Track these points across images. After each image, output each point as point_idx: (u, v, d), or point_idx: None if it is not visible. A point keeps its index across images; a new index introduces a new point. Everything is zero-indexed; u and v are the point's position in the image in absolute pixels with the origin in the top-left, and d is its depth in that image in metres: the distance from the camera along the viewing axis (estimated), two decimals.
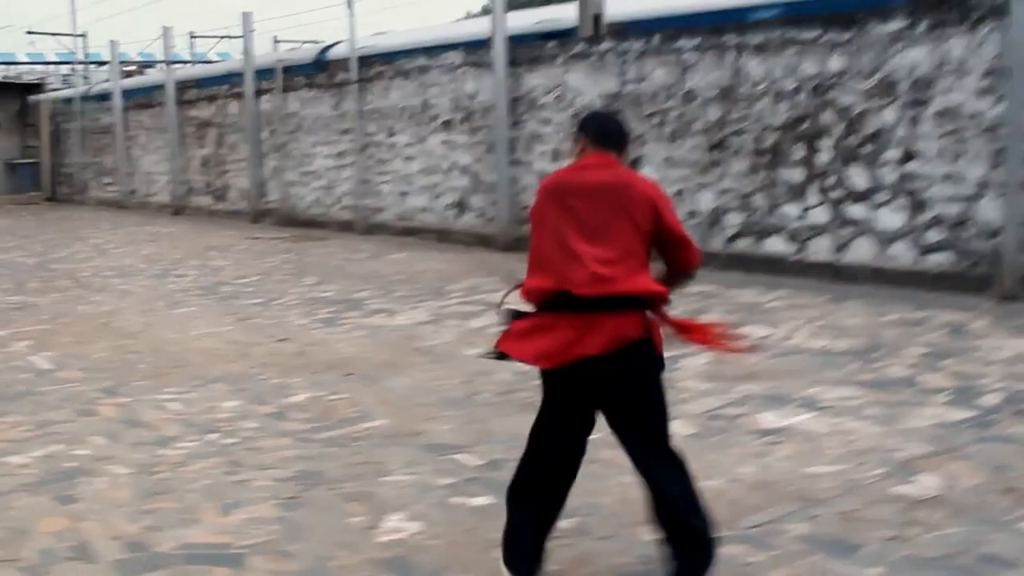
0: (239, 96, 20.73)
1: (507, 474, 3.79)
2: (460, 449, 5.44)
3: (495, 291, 10.76)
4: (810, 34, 10.74)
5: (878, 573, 3.83)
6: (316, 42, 25.52)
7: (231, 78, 21.72)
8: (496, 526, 3.85)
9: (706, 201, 11.86)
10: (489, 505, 4.55)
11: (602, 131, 3.67)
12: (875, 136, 10.31)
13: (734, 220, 11.62)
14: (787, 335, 8.14)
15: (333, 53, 19.67)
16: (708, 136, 11.76)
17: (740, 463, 5.09)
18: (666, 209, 3.50)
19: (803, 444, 5.38)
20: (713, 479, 4.75)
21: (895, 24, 10.11)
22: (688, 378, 6.71)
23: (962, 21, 9.67)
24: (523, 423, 3.80)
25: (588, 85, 13.11)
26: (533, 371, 3.63)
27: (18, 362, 7.94)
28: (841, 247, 10.67)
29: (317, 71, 19.10)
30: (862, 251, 10.49)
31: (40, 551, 4.20)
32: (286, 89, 19.30)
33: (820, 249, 10.85)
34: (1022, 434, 5.46)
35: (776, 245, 11.24)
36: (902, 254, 10.18)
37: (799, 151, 10.93)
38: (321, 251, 15.24)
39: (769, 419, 5.83)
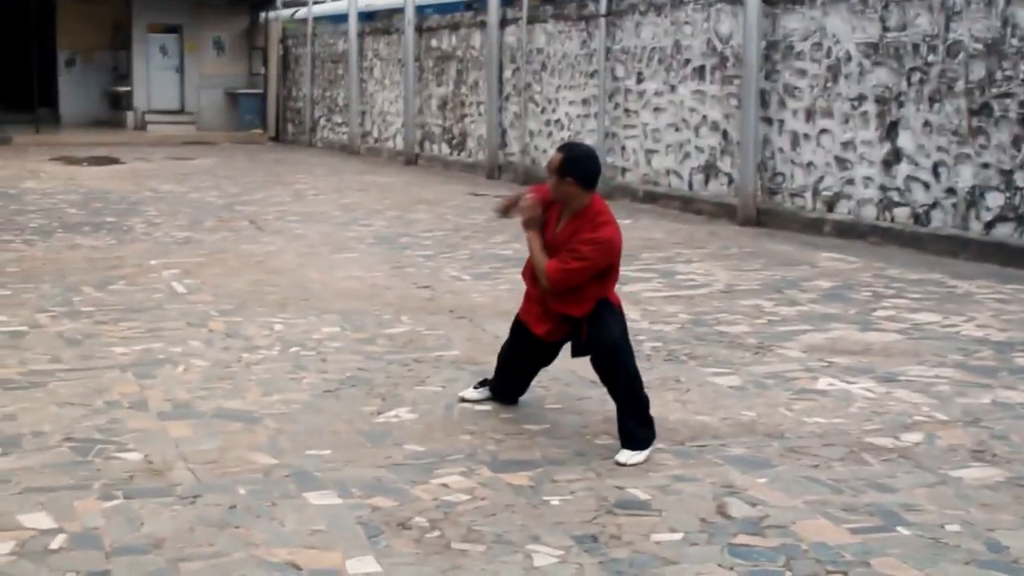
0: (483, 25, 23.83)
1: (531, 394, 6.97)
2: None
3: (689, 261, 13.15)
4: None
5: (759, 481, 6.03)
6: None
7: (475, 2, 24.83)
8: (481, 425, 6.45)
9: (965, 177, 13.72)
10: (488, 411, 7.09)
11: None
12: None
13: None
14: (955, 324, 10.09)
15: None
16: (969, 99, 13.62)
17: (747, 408, 7.34)
18: None
19: (829, 401, 7.54)
20: (712, 415, 7.09)
21: None
22: (794, 348, 8.94)
23: None
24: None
25: (846, 32, 15.18)
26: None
27: (158, 286, 11.09)
28: None
29: None
30: None
31: (106, 401, 7.13)
32: (531, 20, 22.19)
33: None
34: None
35: None
36: None
37: None
38: None
39: (826, 383, 7.99)
